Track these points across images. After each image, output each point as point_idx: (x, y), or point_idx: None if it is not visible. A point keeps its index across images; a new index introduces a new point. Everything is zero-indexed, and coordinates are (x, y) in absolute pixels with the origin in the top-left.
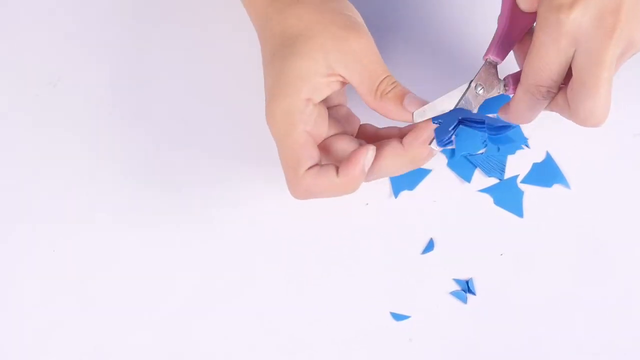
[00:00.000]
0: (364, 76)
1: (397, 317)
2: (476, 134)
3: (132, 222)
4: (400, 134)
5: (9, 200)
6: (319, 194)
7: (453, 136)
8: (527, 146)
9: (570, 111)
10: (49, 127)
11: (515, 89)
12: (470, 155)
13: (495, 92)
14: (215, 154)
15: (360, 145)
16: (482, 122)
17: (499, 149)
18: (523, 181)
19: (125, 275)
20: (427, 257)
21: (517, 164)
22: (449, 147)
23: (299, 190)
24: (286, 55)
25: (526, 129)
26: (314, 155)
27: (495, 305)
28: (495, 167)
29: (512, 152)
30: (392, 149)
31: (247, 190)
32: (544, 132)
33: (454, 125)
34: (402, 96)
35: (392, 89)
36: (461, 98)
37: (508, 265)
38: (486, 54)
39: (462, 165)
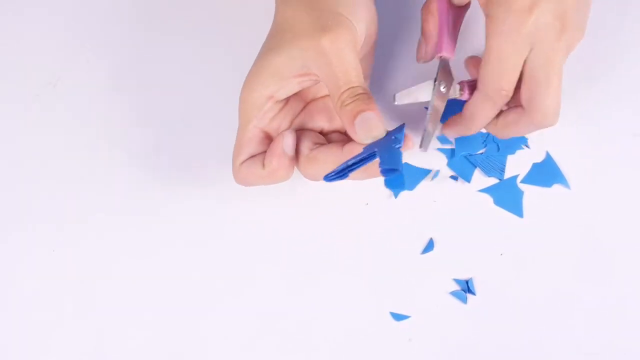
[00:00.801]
0: (331, 81)
1: (397, 317)
2: (477, 134)
3: (132, 222)
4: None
5: (9, 200)
6: (255, 183)
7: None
8: (527, 146)
9: (524, 114)
10: (49, 127)
11: (470, 94)
12: (470, 155)
13: (451, 94)
14: (216, 154)
15: (322, 143)
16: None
17: (498, 149)
18: (523, 181)
19: (125, 275)
20: (427, 257)
21: (517, 164)
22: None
23: (238, 178)
24: (269, 48)
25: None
26: (252, 150)
27: (495, 305)
28: (495, 167)
29: (512, 152)
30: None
31: (247, 190)
32: (543, 131)
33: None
34: (357, 114)
35: (351, 101)
36: (433, 93)
37: (508, 265)
38: (438, 52)
39: (462, 165)
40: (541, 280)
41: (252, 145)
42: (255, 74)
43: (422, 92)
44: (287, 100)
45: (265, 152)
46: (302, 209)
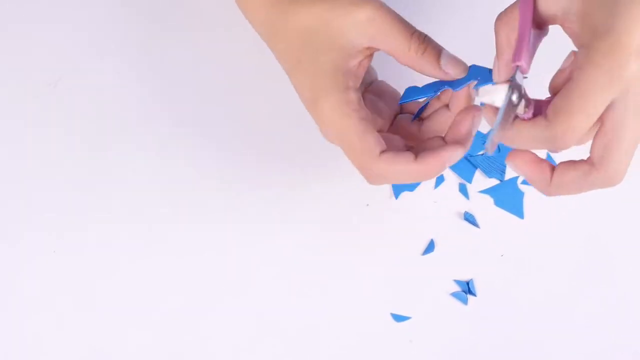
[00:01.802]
0: (395, 39)
1: (398, 318)
2: (477, 135)
3: (132, 222)
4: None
5: (9, 200)
6: (393, 179)
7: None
8: None
9: (592, 172)
10: (50, 128)
11: (534, 115)
12: (471, 156)
13: (518, 109)
14: (216, 154)
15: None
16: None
17: (499, 150)
18: (523, 182)
19: (126, 276)
20: (428, 258)
21: None
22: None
23: (373, 176)
24: (313, 55)
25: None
26: (380, 140)
27: (495, 306)
28: (496, 168)
29: None
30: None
31: (247, 191)
32: None
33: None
34: (437, 55)
35: (426, 45)
36: (506, 98)
37: (508, 266)
38: (516, 60)
39: (463, 166)
40: (541, 281)
41: (374, 136)
42: (321, 82)
43: (498, 95)
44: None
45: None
46: (303, 209)
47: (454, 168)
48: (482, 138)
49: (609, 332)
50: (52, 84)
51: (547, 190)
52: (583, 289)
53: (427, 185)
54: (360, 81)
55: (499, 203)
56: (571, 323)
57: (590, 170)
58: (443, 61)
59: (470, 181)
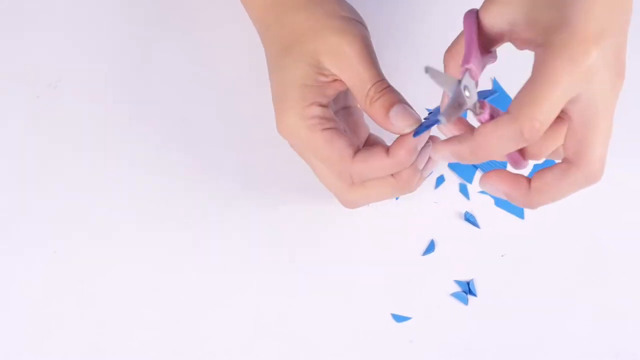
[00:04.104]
0: (355, 80)
1: (398, 318)
2: None
3: (132, 222)
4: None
5: (10, 201)
6: (375, 174)
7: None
8: None
9: (570, 170)
10: (50, 128)
11: (491, 116)
12: None
13: (469, 107)
14: (216, 154)
15: None
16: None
17: None
18: None
19: (126, 276)
20: (428, 258)
21: None
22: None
23: (350, 193)
24: (283, 66)
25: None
26: (351, 141)
27: (496, 306)
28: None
29: None
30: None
31: (247, 191)
32: None
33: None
34: (389, 106)
35: (380, 96)
36: (456, 91)
37: (509, 266)
38: (465, 63)
39: (463, 167)
40: (542, 282)
41: (343, 141)
42: (285, 93)
43: (448, 84)
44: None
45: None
46: (303, 209)
47: (455, 168)
48: None
49: (608, 332)
50: (52, 84)
51: (528, 199)
52: (583, 289)
53: (428, 185)
54: (329, 100)
55: (499, 203)
56: (571, 323)
57: (569, 168)
58: (392, 113)
59: (470, 181)
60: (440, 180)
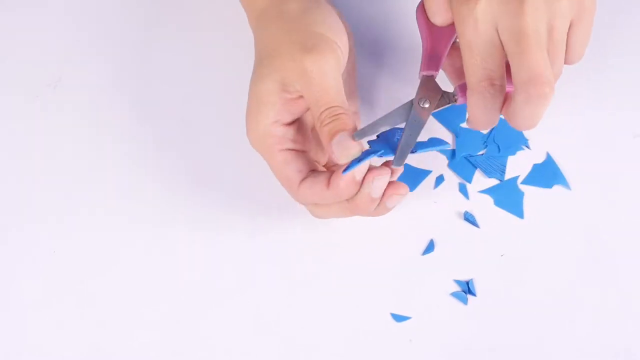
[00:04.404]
0: (312, 101)
1: (398, 318)
2: (477, 135)
3: (132, 222)
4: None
5: (9, 201)
6: (320, 201)
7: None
8: (528, 147)
9: (517, 91)
10: (49, 128)
11: (464, 96)
12: (471, 156)
13: (445, 103)
14: (217, 154)
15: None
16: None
17: (499, 150)
18: (523, 182)
19: (125, 275)
20: (428, 258)
21: (518, 165)
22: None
23: (301, 202)
24: (255, 78)
25: (526, 130)
26: (301, 168)
27: (495, 306)
28: (496, 168)
29: (513, 153)
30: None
31: (247, 190)
32: (544, 133)
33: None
34: (334, 134)
35: (329, 122)
36: (409, 115)
37: (508, 266)
38: (420, 70)
39: (463, 166)
40: (542, 281)
41: (295, 165)
42: (252, 107)
43: (387, 123)
44: (292, 124)
45: (311, 168)
46: (303, 209)
47: (454, 168)
48: (482, 138)
49: (608, 332)
50: (52, 84)
51: (510, 120)
52: (583, 289)
53: (427, 185)
54: (295, 117)
55: (499, 203)
56: (571, 323)
57: (519, 88)
58: (334, 141)
59: (470, 181)
60: (439, 180)
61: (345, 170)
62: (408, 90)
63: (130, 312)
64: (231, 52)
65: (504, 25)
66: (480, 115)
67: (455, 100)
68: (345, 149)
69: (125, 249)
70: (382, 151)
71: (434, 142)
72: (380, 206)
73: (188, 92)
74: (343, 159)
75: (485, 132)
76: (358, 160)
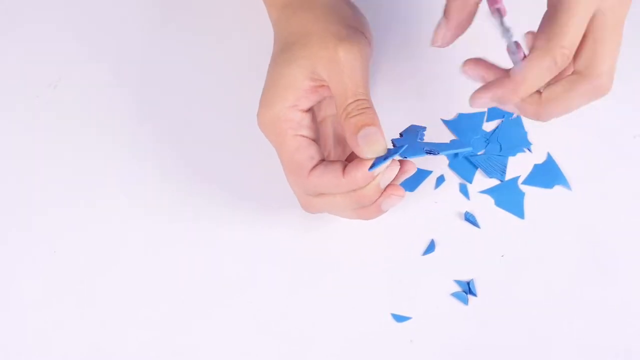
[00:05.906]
0: (339, 90)
1: (398, 318)
2: (476, 135)
3: (132, 222)
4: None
5: (9, 201)
6: (329, 190)
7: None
8: (529, 150)
9: (578, 81)
10: (50, 129)
11: (524, 54)
12: (472, 156)
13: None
14: (216, 154)
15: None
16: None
17: (500, 149)
18: (524, 182)
19: (125, 275)
20: (428, 258)
21: (518, 165)
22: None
23: (305, 190)
24: (280, 62)
25: (527, 130)
26: (313, 155)
27: (496, 306)
28: (497, 168)
29: (513, 154)
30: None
31: (247, 190)
32: (545, 133)
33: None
34: (361, 126)
35: (357, 114)
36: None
37: (509, 266)
38: (492, 4)
39: (464, 167)
40: (542, 282)
41: (307, 151)
42: (271, 89)
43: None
44: (308, 112)
45: (321, 157)
46: (302, 210)
47: (455, 168)
48: (482, 137)
49: (609, 332)
50: (52, 84)
51: (538, 109)
52: (583, 289)
53: (428, 185)
54: (312, 104)
55: (499, 203)
56: (571, 323)
57: (578, 79)
58: (361, 133)
59: (470, 181)
60: (440, 180)
61: (371, 167)
62: (406, 94)
63: (130, 312)
64: (231, 51)
65: (612, 10)
66: (532, 78)
67: (513, 54)
68: (372, 144)
69: (125, 249)
70: (406, 150)
71: (456, 145)
72: (374, 206)
73: (188, 91)
74: (369, 154)
75: (490, 108)
76: (384, 158)
